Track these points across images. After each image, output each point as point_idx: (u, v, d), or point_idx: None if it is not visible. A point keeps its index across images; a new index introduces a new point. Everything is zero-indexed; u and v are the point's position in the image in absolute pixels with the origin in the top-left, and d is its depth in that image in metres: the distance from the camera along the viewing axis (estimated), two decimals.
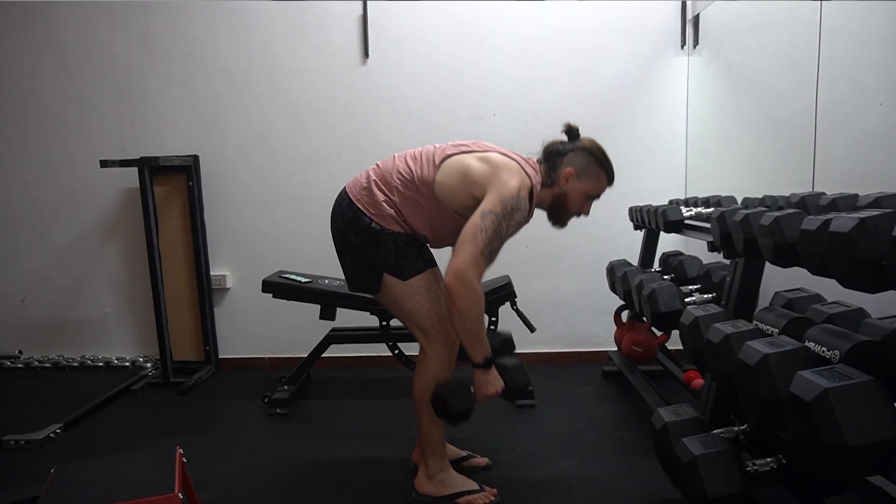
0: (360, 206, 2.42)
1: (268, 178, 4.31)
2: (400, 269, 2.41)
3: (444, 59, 4.18)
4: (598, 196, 2.53)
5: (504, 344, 2.72)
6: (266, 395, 3.66)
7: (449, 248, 2.51)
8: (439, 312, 2.45)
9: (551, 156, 2.49)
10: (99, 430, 3.43)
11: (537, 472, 2.81)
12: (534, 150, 4.14)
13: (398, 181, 2.40)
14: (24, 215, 4.43)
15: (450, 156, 2.41)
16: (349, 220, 2.43)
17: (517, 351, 4.14)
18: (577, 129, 2.52)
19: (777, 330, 1.99)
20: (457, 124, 4.21)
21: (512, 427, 3.31)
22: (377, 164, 2.51)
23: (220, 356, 4.43)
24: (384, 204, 2.39)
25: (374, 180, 2.44)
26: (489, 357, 2.33)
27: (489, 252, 2.21)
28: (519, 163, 2.39)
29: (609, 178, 2.51)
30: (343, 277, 3.75)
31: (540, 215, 2.55)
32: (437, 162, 2.40)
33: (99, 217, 4.40)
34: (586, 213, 2.54)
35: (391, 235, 2.39)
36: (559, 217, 2.54)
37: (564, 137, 2.52)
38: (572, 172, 2.44)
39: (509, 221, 2.25)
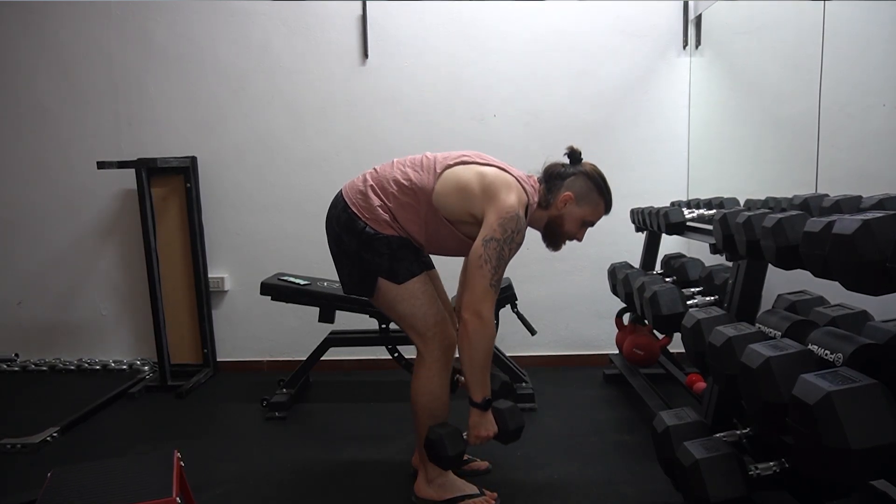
0: (354, 209, 2.41)
1: (266, 180, 4.30)
2: (395, 273, 2.40)
3: (443, 60, 4.16)
4: (593, 223, 2.54)
5: (503, 388, 2.75)
6: (264, 399, 3.65)
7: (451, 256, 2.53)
8: (435, 315, 2.44)
9: (551, 178, 2.50)
10: (96, 433, 3.41)
11: (538, 476, 2.79)
12: (534, 151, 4.14)
13: (395, 187, 2.39)
14: (20, 217, 4.42)
15: (450, 166, 2.41)
16: (344, 224, 2.43)
17: (517, 354, 4.18)
18: (580, 153, 2.53)
19: (780, 333, 1.98)
20: (457, 125, 4.20)
21: None
22: (375, 169, 2.51)
23: (218, 359, 4.42)
24: (379, 209, 2.39)
25: (371, 185, 2.44)
26: (488, 398, 2.36)
27: (496, 281, 2.27)
28: (518, 179, 2.39)
29: (607, 206, 2.52)
30: None
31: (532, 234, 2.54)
32: (437, 171, 2.39)
33: (96, 219, 4.39)
34: (580, 238, 2.56)
35: (385, 239, 2.38)
36: (553, 240, 2.56)
37: (566, 160, 2.54)
38: (571, 197, 2.45)
39: (511, 244, 2.28)
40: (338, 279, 3.76)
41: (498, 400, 2.48)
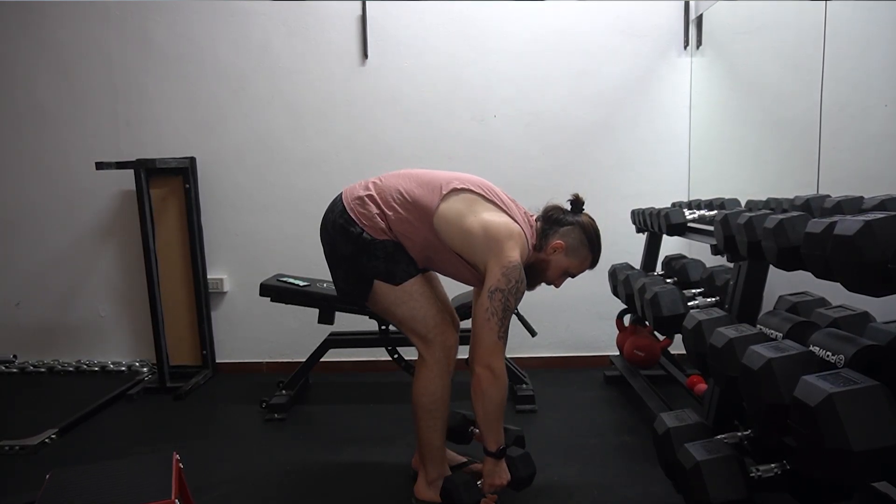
0: (352, 215, 2.40)
1: (266, 181, 4.29)
2: (392, 275, 2.39)
3: (444, 60, 4.15)
4: (574, 276, 2.57)
5: (517, 441, 2.78)
6: (264, 400, 3.64)
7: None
8: (435, 316, 2.43)
9: (549, 222, 2.53)
10: (95, 435, 3.40)
11: (538, 479, 2.76)
12: (534, 153, 4.16)
13: (398, 200, 2.39)
14: (18, 218, 4.41)
15: (456, 189, 2.40)
16: (339, 228, 2.41)
17: (517, 355, 4.17)
18: (583, 203, 2.57)
19: (781, 334, 1.97)
20: (457, 126, 4.19)
21: None
22: (379, 178, 2.49)
23: (217, 361, 4.41)
24: (377, 216, 2.38)
25: (371, 194, 2.42)
26: (502, 448, 2.39)
27: (504, 331, 2.29)
28: (521, 225, 2.40)
29: (593, 263, 2.57)
30: None
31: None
32: (442, 192, 2.39)
33: (95, 220, 4.38)
34: (557, 286, 2.59)
35: (381, 244, 2.37)
36: (532, 280, 2.54)
37: (567, 206, 2.58)
38: (562, 246, 2.47)
39: (515, 294, 2.28)
40: None
41: (510, 448, 2.51)
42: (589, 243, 2.50)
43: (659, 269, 3.73)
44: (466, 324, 3.43)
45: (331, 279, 3.77)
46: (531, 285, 2.54)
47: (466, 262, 2.40)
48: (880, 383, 1.42)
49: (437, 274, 2.75)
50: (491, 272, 2.28)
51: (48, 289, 4.46)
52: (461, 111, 4.19)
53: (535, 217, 2.55)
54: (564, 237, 2.47)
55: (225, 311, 4.41)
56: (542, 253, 2.49)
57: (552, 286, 2.59)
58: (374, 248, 2.37)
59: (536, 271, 2.52)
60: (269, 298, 3.63)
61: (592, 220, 2.55)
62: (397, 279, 2.39)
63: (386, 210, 2.38)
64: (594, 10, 4.10)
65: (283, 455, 3.09)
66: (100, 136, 4.29)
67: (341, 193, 2.51)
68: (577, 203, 2.56)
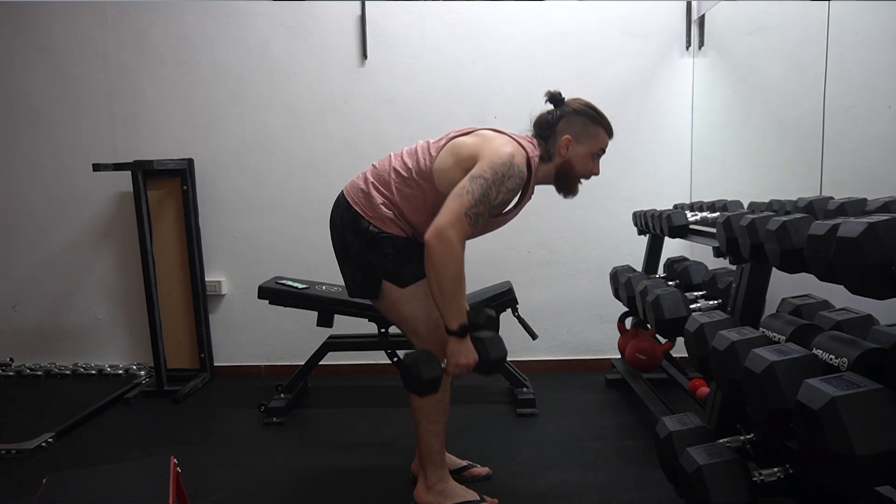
0: (357, 209, 2.39)
1: (264, 182, 4.27)
2: (399, 276, 2.38)
3: (443, 61, 4.14)
4: (602, 152, 2.47)
5: (488, 322, 2.62)
6: (262, 404, 3.63)
7: None
8: (437, 319, 2.41)
9: (543, 128, 2.43)
10: (92, 439, 3.39)
11: (539, 482, 2.77)
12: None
13: (396, 179, 2.37)
14: (15, 220, 4.40)
15: (444, 145, 2.38)
16: (348, 224, 2.41)
17: (518, 358, 4.15)
18: (561, 94, 2.46)
19: (784, 337, 1.95)
20: (457, 127, 4.15)
21: (513, 436, 3.27)
22: (373, 165, 2.49)
23: (215, 364, 4.39)
24: (382, 206, 2.37)
25: (372, 182, 2.42)
26: (464, 325, 2.26)
27: (474, 215, 2.16)
28: (512, 136, 2.36)
29: (608, 131, 2.46)
30: (341, 284, 3.75)
31: (544, 204, 2.47)
32: (433, 153, 2.36)
33: (91, 222, 4.37)
34: (596, 172, 2.48)
35: (390, 239, 2.36)
36: (568, 185, 2.47)
37: (550, 106, 2.47)
38: (570, 139, 2.39)
39: (500, 187, 2.19)
40: (336, 283, 3.77)
41: (479, 330, 2.39)
42: (592, 119, 2.42)
43: (661, 272, 3.72)
44: None
45: (329, 282, 3.81)
46: (571, 190, 2.47)
47: None
48: (884, 387, 1.41)
49: None
50: (478, 164, 2.20)
51: (45, 291, 4.45)
52: (461, 112, 4.17)
53: (530, 135, 2.46)
54: (567, 130, 2.39)
55: (223, 314, 4.39)
56: (557, 157, 2.41)
57: (593, 176, 2.48)
58: (382, 244, 2.35)
59: (566, 174, 2.43)
60: (267, 301, 3.63)
61: (580, 99, 2.46)
62: (404, 281, 2.38)
63: (388, 194, 2.37)
64: (595, 10, 4.09)
65: (282, 459, 3.08)
66: (96, 137, 4.28)
67: (343, 191, 2.50)
68: (555, 98, 2.45)
